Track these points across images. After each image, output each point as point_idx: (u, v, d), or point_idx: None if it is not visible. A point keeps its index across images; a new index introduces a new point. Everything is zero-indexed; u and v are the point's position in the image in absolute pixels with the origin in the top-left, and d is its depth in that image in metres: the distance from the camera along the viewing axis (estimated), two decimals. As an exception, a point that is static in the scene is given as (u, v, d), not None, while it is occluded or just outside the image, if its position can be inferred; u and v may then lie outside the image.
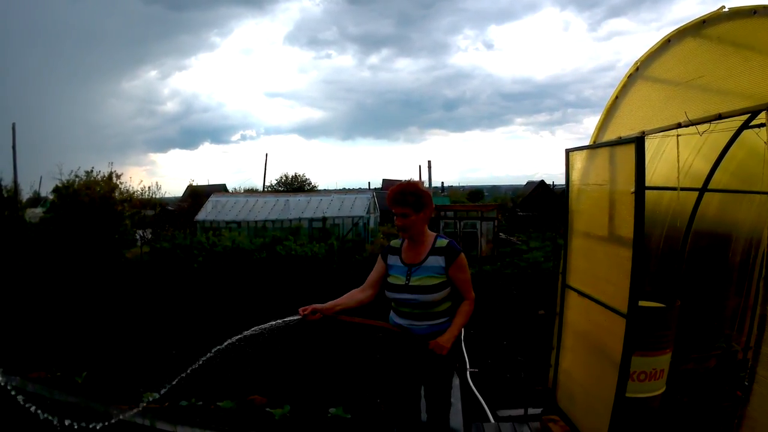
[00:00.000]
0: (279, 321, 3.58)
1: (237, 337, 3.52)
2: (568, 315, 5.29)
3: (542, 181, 39.76)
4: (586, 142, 5.46)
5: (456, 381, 4.65)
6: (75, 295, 13.22)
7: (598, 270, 4.64)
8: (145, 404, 4.19)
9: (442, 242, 3.81)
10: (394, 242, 4.02)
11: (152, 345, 9.21)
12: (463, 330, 3.93)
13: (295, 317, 3.62)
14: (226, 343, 3.53)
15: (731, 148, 5.30)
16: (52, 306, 12.14)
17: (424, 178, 29.23)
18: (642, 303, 4.17)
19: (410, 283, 3.73)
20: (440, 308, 3.75)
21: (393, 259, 3.90)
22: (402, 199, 3.71)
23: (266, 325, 3.58)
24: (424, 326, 3.73)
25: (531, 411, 5.67)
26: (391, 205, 3.75)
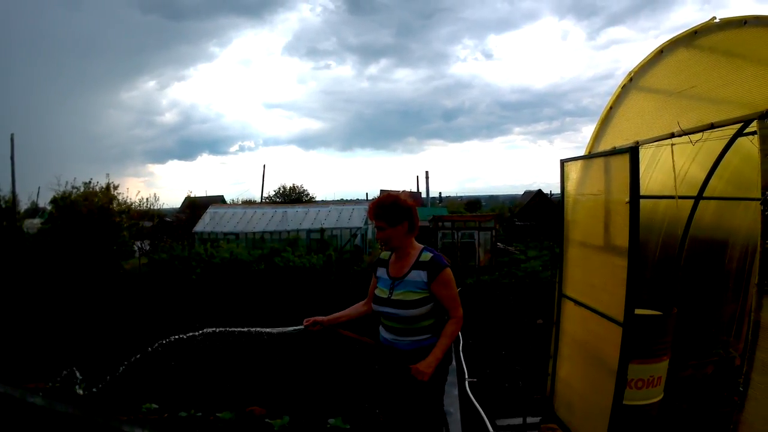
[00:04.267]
0: (284, 329, 3.76)
1: (246, 329, 3.62)
2: (565, 324, 5.30)
3: (540, 191, 39.76)
4: (584, 152, 5.50)
5: (455, 391, 4.63)
6: (74, 306, 13.20)
7: (594, 279, 4.66)
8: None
9: (427, 256, 3.68)
10: (384, 254, 3.94)
11: (151, 356, 9.20)
12: (461, 339, 3.92)
13: (298, 327, 3.72)
14: (239, 330, 3.64)
15: (726, 155, 5.33)
16: (51, 316, 12.13)
17: (422, 188, 29.26)
18: (638, 311, 4.19)
19: (392, 297, 3.64)
20: (423, 324, 3.61)
21: (381, 272, 3.83)
22: (376, 212, 3.66)
23: (275, 330, 3.65)
24: (407, 341, 3.63)
25: (529, 420, 5.66)
26: (370, 218, 3.75)
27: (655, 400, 4.73)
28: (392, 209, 3.66)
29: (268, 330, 3.75)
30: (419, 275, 3.60)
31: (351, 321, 3.95)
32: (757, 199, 3.18)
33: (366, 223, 23.69)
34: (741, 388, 3.10)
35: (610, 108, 5.25)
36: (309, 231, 22.55)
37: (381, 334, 3.81)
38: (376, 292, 3.79)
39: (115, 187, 21.01)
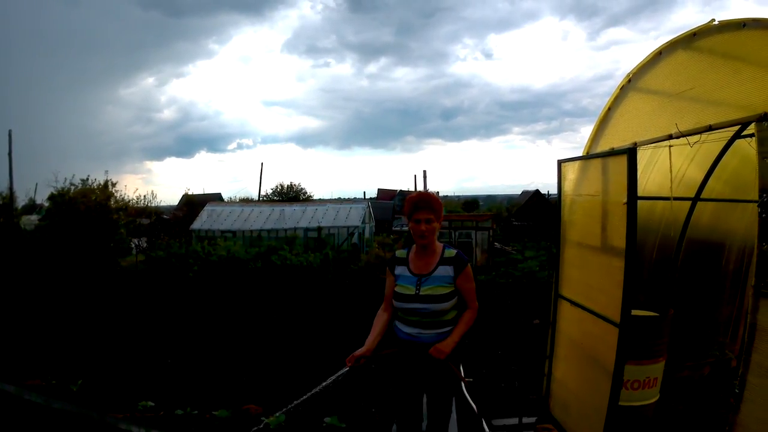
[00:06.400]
0: (331, 378, 3.67)
1: (295, 403, 3.58)
2: (561, 324, 5.31)
3: (537, 191, 39.71)
4: (582, 152, 5.51)
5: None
6: (70, 303, 13.18)
7: (590, 280, 4.67)
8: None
9: (451, 252, 3.87)
10: (400, 253, 4.05)
11: (148, 353, 9.20)
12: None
13: (344, 369, 3.67)
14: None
15: (725, 156, 5.34)
16: (48, 313, 12.12)
17: (420, 187, 29.22)
18: (635, 312, 4.21)
19: (420, 293, 3.76)
20: (448, 317, 3.78)
21: (401, 270, 3.93)
22: (430, 205, 3.79)
23: (319, 388, 3.62)
24: (431, 334, 3.75)
25: (525, 420, 5.67)
26: (414, 211, 3.78)
27: (651, 401, 4.75)
28: (439, 205, 3.87)
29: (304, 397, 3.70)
30: (446, 270, 3.80)
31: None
32: (755, 201, 3.19)
33: (363, 222, 23.69)
34: (737, 390, 3.11)
35: (609, 109, 5.26)
36: (306, 229, 22.53)
37: (401, 330, 3.90)
38: (399, 290, 3.87)
39: (113, 185, 21.02)
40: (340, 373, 3.69)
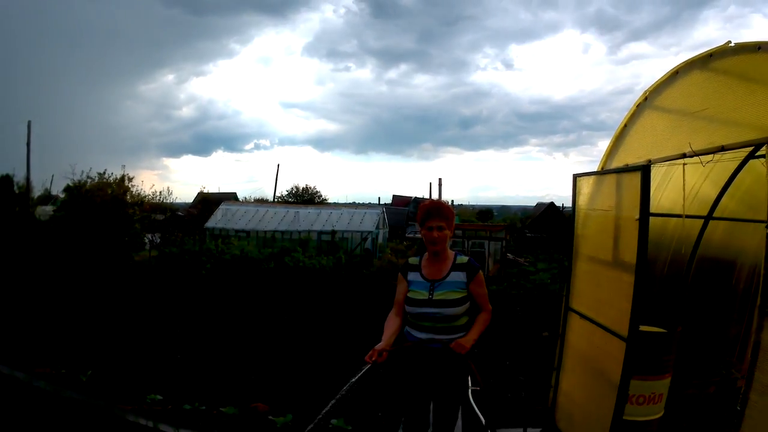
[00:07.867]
0: (355, 378, 3.55)
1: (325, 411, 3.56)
2: (570, 337, 5.33)
3: (552, 203, 39.46)
4: (597, 167, 5.54)
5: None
6: (83, 294, 13.30)
7: (601, 294, 4.69)
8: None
9: (463, 259, 3.97)
10: (412, 260, 4.16)
11: (158, 348, 9.28)
12: None
13: (366, 366, 3.66)
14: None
15: (739, 174, 5.35)
16: (60, 303, 12.23)
17: (434, 195, 29.19)
18: (643, 327, 4.23)
19: (434, 298, 3.84)
20: (460, 322, 3.87)
21: (413, 276, 4.00)
22: (442, 212, 3.89)
23: (346, 387, 3.61)
24: (445, 339, 3.81)
25: (530, 430, 5.68)
26: (426, 218, 3.87)
27: (655, 416, 4.75)
28: (450, 213, 3.99)
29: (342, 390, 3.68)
30: (459, 276, 3.89)
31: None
32: (765, 222, 3.21)
33: (377, 227, 23.73)
34: (738, 407, 3.13)
35: (625, 125, 5.30)
36: (320, 232, 22.60)
37: (414, 335, 3.96)
38: (412, 295, 3.94)
39: (130, 179, 21.20)
40: (362, 371, 3.72)
